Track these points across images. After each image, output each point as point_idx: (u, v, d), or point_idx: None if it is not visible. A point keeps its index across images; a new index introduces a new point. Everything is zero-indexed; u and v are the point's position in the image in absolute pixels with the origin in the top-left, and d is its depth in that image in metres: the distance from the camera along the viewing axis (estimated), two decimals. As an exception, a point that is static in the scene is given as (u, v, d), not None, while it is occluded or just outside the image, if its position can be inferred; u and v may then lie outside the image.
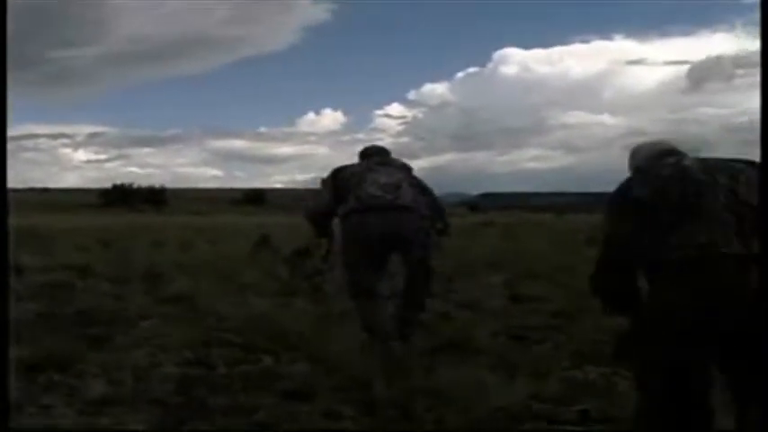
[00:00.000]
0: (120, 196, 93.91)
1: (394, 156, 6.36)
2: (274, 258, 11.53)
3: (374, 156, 6.20)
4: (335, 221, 6.23)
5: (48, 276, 9.48)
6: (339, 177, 5.97)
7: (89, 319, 6.83)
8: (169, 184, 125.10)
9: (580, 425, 4.18)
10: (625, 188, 3.37)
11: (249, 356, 5.58)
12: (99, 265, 10.76)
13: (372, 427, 4.15)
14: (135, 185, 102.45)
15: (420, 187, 6.06)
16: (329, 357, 5.28)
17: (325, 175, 6.20)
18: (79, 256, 11.89)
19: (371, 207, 5.66)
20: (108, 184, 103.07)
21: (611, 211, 3.40)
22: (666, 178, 3.23)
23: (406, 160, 6.32)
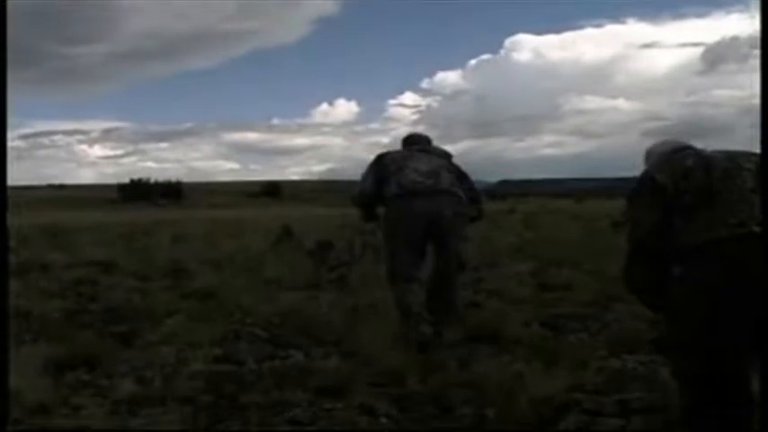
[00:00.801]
0: (138, 191, 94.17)
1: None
2: (298, 251, 11.47)
3: (416, 143, 6.39)
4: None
5: (72, 273, 9.44)
6: (382, 162, 6.14)
7: (115, 316, 6.75)
8: (185, 179, 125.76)
9: (622, 416, 4.07)
10: (647, 178, 3.38)
11: (279, 351, 5.47)
12: (122, 261, 10.70)
13: (409, 423, 4.04)
14: (152, 180, 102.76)
15: (458, 173, 6.20)
16: (361, 351, 5.20)
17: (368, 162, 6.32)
18: (102, 253, 11.81)
19: (412, 192, 5.85)
20: (124, 180, 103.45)
21: (636, 202, 3.42)
22: (690, 166, 3.25)
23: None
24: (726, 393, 3.04)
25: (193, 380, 4.73)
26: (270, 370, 4.94)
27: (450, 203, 5.89)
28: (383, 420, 4.05)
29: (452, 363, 4.87)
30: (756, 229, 2.93)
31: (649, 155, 3.71)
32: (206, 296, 7.68)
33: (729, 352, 3.00)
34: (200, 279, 8.70)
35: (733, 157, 3.26)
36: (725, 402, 3.03)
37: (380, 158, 6.22)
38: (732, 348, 2.99)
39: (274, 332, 6.01)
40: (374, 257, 9.71)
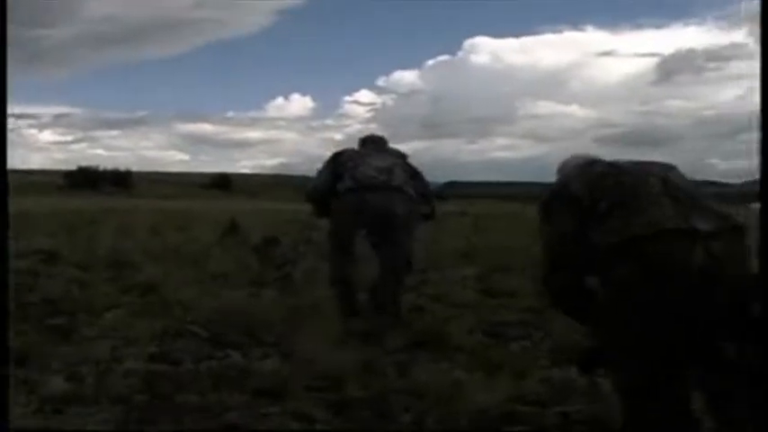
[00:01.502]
0: (86, 179, 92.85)
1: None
2: (244, 246, 11.35)
3: (372, 143, 6.68)
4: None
5: (12, 263, 9.15)
6: (338, 160, 6.41)
7: (52, 308, 6.57)
8: (135, 167, 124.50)
9: (563, 428, 4.04)
10: (559, 189, 3.51)
11: (217, 351, 5.37)
12: (65, 251, 10.46)
13: (346, 430, 3.98)
14: (101, 168, 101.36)
15: (412, 172, 6.47)
16: (300, 352, 5.12)
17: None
18: (44, 242, 11.55)
19: (366, 186, 6.10)
20: (73, 166, 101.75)
21: (550, 212, 3.50)
22: (602, 175, 3.40)
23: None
24: (663, 401, 3.03)
25: (128, 378, 4.61)
26: (207, 370, 4.84)
27: (401, 201, 6.12)
28: (318, 427, 3.97)
29: (393, 368, 4.81)
30: (671, 225, 3.03)
31: (563, 168, 3.82)
32: (147, 290, 7.54)
33: (661, 350, 3.02)
34: (143, 272, 8.52)
35: (642, 165, 3.43)
36: (663, 413, 3.03)
37: (337, 156, 6.47)
38: (664, 347, 3.02)
39: (214, 330, 5.87)
40: (319, 255, 9.66)
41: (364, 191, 6.09)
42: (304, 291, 7.53)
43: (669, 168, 3.43)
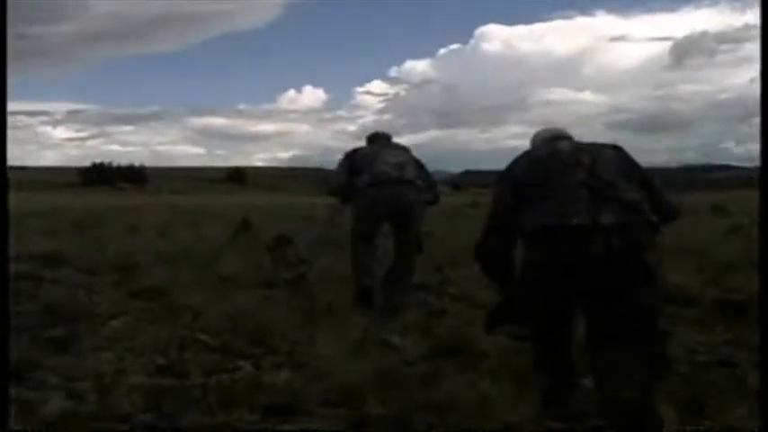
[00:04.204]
0: (100, 175, 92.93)
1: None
2: (256, 245, 11.04)
3: (379, 140, 7.54)
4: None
5: (14, 266, 8.77)
6: (353, 158, 7.28)
7: (54, 317, 6.21)
8: (149, 162, 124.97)
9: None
10: (508, 168, 4.09)
11: (227, 362, 5.04)
12: (71, 253, 10.11)
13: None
14: (114, 164, 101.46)
15: (418, 164, 7.34)
16: (315, 362, 4.83)
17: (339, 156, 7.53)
18: (50, 243, 11.18)
19: (383, 181, 6.95)
20: (88, 163, 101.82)
21: (497, 186, 4.11)
22: (538, 159, 3.98)
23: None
24: (552, 350, 4.05)
25: (132, 394, 4.29)
26: (216, 384, 4.50)
27: (413, 192, 7.02)
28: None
29: (414, 380, 4.48)
30: (576, 221, 3.58)
31: (533, 139, 4.40)
32: (155, 294, 7.23)
33: (552, 317, 3.94)
34: (152, 275, 8.19)
35: (577, 152, 3.90)
36: (552, 361, 4.07)
37: (352, 154, 7.35)
38: (554, 314, 3.92)
39: (224, 338, 5.57)
40: (335, 253, 9.37)
41: (381, 185, 6.93)
42: (319, 292, 7.24)
43: (607, 152, 3.92)
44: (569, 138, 4.23)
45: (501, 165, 4.20)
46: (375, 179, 6.96)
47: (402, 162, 7.11)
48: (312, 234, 10.59)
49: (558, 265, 3.64)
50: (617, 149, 3.97)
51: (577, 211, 3.61)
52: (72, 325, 5.97)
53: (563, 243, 3.62)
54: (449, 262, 9.33)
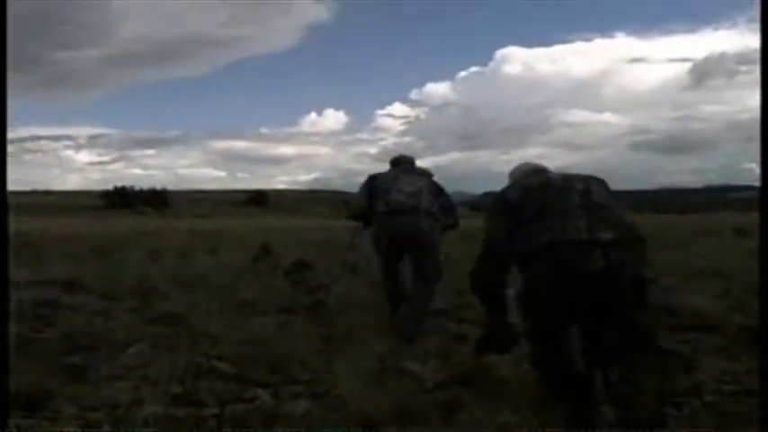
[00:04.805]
0: (122, 199, 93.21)
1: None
2: (275, 271, 10.97)
3: (401, 164, 7.64)
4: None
5: (33, 293, 8.76)
6: (373, 184, 7.38)
7: (72, 344, 6.17)
8: (172, 186, 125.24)
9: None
10: (500, 195, 4.33)
11: (244, 391, 4.95)
12: (90, 278, 10.10)
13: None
14: (137, 188, 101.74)
15: (436, 191, 7.33)
16: (333, 391, 4.76)
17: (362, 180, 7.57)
18: (70, 268, 11.22)
19: (397, 210, 7.03)
20: (110, 186, 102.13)
21: (490, 215, 4.34)
22: (531, 186, 4.23)
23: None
24: (561, 373, 4.07)
25: (147, 426, 4.24)
26: (232, 415, 4.44)
27: (426, 221, 7.05)
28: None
29: (433, 410, 4.39)
30: (576, 237, 3.85)
31: (512, 174, 4.68)
32: (173, 321, 7.18)
33: (555, 335, 4.02)
34: (170, 301, 8.17)
35: (568, 179, 4.21)
36: (564, 387, 4.08)
37: (372, 180, 7.42)
38: (557, 332, 4.01)
39: (241, 365, 5.48)
40: (355, 278, 9.30)
41: (396, 214, 7.02)
42: (338, 318, 7.19)
43: (595, 182, 4.22)
44: (547, 170, 4.54)
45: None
46: (390, 208, 7.06)
47: (418, 190, 7.15)
48: (332, 258, 10.50)
49: (561, 279, 3.85)
50: (602, 181, 4.29)
51: (577, 228, 3.88)
52: (89, 352, 5.92)
53: (565, 257, 3.85)
54: (468, 286, 9.23)
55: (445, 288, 8.28)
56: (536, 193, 4.15)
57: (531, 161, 4.78)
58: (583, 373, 4.06)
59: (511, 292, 4.39)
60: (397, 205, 7.04)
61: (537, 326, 4.05)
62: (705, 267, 9.63)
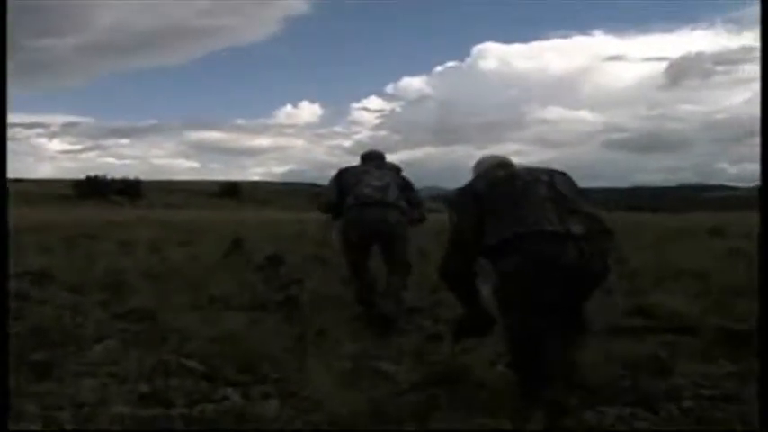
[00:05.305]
0: (94, 188, 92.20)
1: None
2: (247, 265, 10.84)
3: (371, 159, 7.91)
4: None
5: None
6: (342, 177, 7.64)
7: (38, 340, 6.00)
8: (145, 176, 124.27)
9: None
10: (467, 187, 4.43)
11: (213, 391, 4.81)
12: (60, 271, 9.94)
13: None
14: (109, 177, 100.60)
15: (403, 185, 7.63)
16: (304, 391, 4.65)
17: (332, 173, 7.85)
18: (40, 260, 11.01)
19: (365, 203, 7.24)
20: (83, 176, 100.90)
21: (456, 206, 4.38)
22: (497, 179, 4.33)
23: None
24: (539, 373, 4.10)
25: (113, 425, 4.12)
26: (200, 415, 4.31)
27: (394, 213, 7.27)
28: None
29: (407, 413, 4.26)
30: (549, 228, 3.94)
31: (477, 166, 4.73)
32: (143, 316, 7.04)
33: (533, 318, 3.97)
34: (140, 295, 8.01)
35: (533, 172, 4.32)
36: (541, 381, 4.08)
37: (342, 173, 7.69)
38: (535, 315, 3.95)
39: (211, 363, 5.33)
40: (327, 273, 9.21)
41: (364, 206, 7.24)
42: (310, 314, 7.10)
43: (558, 174, 4.32)
44: (512, 164, 4.69)
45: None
46: (359, 201, 7.28)
47: (386, 184, 7.40)
48: (305, 252, 10.41)
49: (538, 271, 3.91)
50: (565, 174, 4.40)
51: (549, 220, 3.98)
52: (55, 348, 5.77)
53: (540, 248, 3.93)
54: (440, 283, 9.15)
55: (420, 284, 8.22)
56: (503, 186, 4.25)
57: (498, 155, 4.85)
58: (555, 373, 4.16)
59: (486, 288, 4.35)
60: (365, 198, 7.26)
61: (518, 325, 4.06)
62: (681, 268, 9.57)
